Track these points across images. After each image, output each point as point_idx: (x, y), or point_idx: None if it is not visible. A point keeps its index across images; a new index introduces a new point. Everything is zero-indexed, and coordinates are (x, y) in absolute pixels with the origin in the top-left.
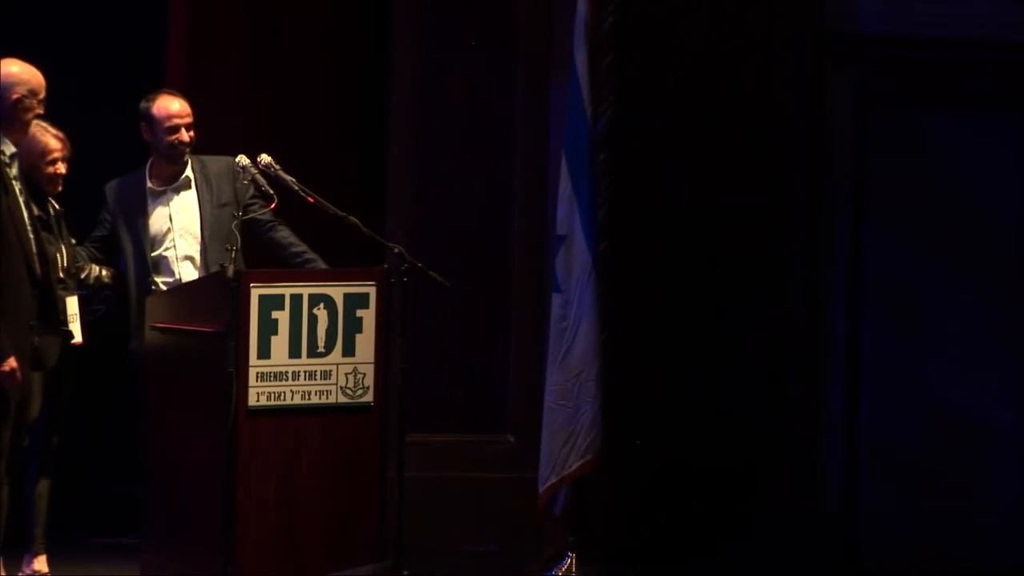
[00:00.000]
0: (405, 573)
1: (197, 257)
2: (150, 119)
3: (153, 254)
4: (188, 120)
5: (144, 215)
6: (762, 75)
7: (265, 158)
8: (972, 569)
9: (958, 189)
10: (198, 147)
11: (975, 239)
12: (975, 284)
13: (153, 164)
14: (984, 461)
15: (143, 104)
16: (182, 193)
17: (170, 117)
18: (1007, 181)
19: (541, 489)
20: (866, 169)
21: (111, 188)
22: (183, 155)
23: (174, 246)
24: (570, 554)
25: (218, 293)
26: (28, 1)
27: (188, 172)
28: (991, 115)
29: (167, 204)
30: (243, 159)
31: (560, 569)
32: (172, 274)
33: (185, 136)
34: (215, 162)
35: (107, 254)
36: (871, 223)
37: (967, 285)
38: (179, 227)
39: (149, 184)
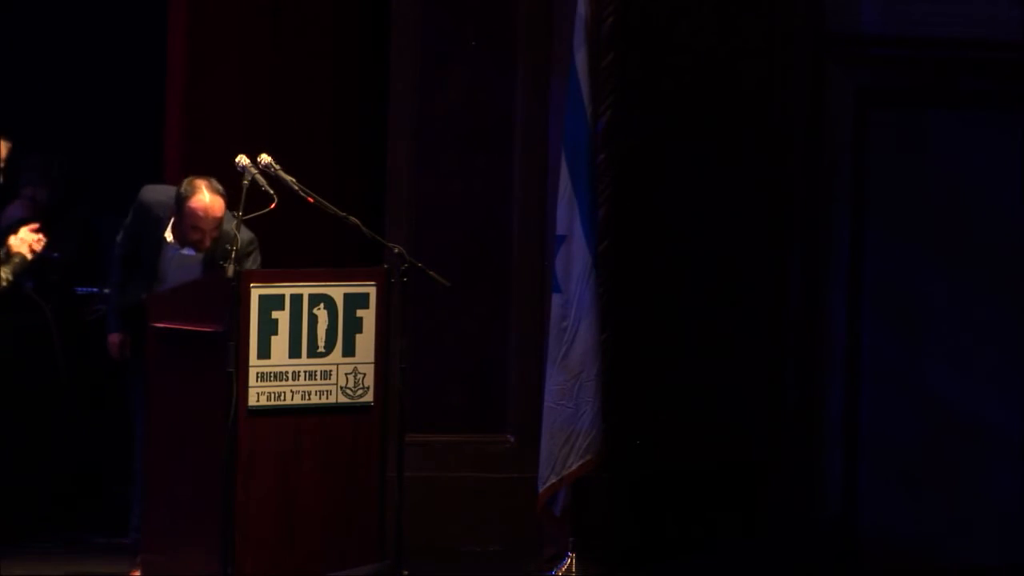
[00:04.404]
0: (405, 573)
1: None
2: (180, 208)
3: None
4: (216, 223)
5: (157, 256)
6: (762, 75)
7: (265, 158)
8: (973, 569)
9: (958, 189)
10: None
11: (975, 239)
12: (975, 284)
13: (174, 224)
14: (984, 460)
15: (182, 188)
16: (190, 260)
17: (198, 220)
18: (1007, 181)
19: (541, 489)
20: (866, 169)
21: (145, 203)
22: (202, 251)
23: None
24: (570, 554)
25: (218, 293)
26: (30, 2)
27: None
28: (991, 115)
29: (174, 262)
30: (243, 159)
31: (560, 569)
32: None
33: (206, 242)
34: (230, 232)
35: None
36: (871, 223)
37: (967, 285)
38: (177, 266)
39: (168, 234)
